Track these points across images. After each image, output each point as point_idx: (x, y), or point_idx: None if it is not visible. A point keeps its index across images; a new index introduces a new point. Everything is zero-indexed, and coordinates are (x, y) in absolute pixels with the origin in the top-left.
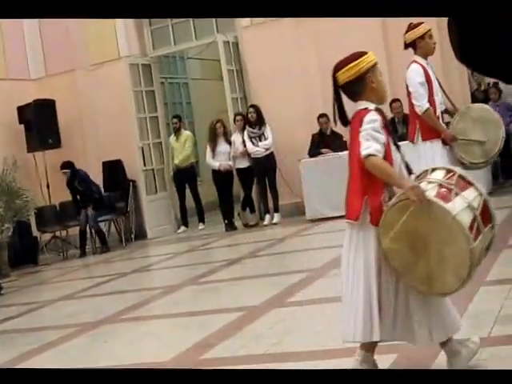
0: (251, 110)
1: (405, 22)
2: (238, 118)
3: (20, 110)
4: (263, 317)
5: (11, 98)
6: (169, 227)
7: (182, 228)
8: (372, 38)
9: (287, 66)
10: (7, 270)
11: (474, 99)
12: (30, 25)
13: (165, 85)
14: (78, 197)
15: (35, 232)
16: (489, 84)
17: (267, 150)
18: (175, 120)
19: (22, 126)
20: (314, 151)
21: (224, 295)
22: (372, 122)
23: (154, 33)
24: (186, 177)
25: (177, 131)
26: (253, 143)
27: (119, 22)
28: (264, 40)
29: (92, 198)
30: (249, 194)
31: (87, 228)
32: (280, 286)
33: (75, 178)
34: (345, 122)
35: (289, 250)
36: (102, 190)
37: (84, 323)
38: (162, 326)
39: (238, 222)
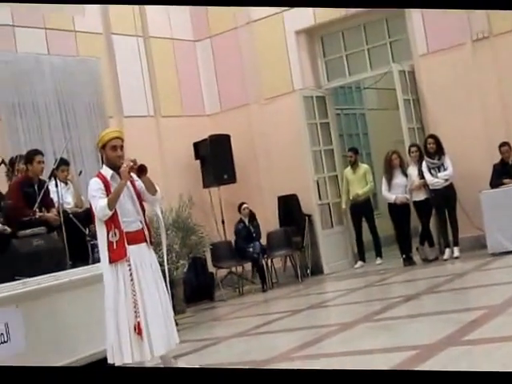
0: (430, 140)
1: None
2: (413, 149)
3: (196, 145)
4: (436, 356)
5: (187, 134)
6: (345, 262)
7: (360, 263)
8: None
9: (466, 94)
10: (183, 306)
11: None
12: (204, 61)
13: (340, 116)
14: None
15: (211, 268)
16: None
17: (447, 180)
18: (350, 153)
19: (198, 161)
20: (495, 181)
21: (398, 333)
22: None
23: (327, 64)
24: (362, 210)
25: (353, 164)
26: (432, 174)
27: (292, 55)
28: (441, 67)
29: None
30: (427, 227)
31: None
32: (457, 323)
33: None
34: None
35: (468, 286)
36: (278, 224)
37: (254, 361)
38: (332, 364)
39: (416, 257)
